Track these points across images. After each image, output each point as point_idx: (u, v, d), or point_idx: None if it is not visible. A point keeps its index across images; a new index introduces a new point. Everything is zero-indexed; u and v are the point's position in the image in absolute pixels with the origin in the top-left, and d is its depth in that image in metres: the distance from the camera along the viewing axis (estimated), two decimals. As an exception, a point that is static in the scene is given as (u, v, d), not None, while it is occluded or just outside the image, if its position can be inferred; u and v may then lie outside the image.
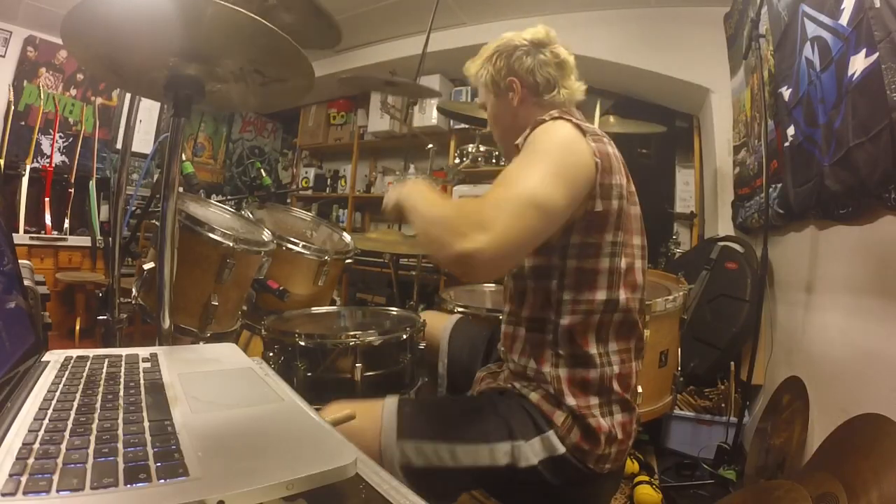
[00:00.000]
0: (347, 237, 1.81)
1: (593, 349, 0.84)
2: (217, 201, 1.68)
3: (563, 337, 0.85)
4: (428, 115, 3.65)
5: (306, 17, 1.20)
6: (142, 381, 0.55)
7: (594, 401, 0.83)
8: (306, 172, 4.58)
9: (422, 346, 1.21)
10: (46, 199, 3.41)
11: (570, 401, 0.82)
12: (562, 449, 0.81)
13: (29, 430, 0.41)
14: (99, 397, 0.50)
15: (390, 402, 0.86)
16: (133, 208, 2.38)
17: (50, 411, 0.46)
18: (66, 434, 0.41)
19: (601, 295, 0.84)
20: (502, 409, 0.86)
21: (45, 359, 0.62)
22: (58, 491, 0.33)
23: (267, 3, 1.12)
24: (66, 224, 3.48)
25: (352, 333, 1.11)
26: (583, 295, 0.84)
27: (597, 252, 0.83)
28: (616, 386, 0.84)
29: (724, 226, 2.59)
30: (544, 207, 0.73)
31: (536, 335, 0.88)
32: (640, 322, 0.90)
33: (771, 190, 1.85)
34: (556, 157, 0.79)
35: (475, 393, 1.02)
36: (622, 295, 0.86)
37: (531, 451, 0.81)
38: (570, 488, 0.84)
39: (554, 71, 0.96)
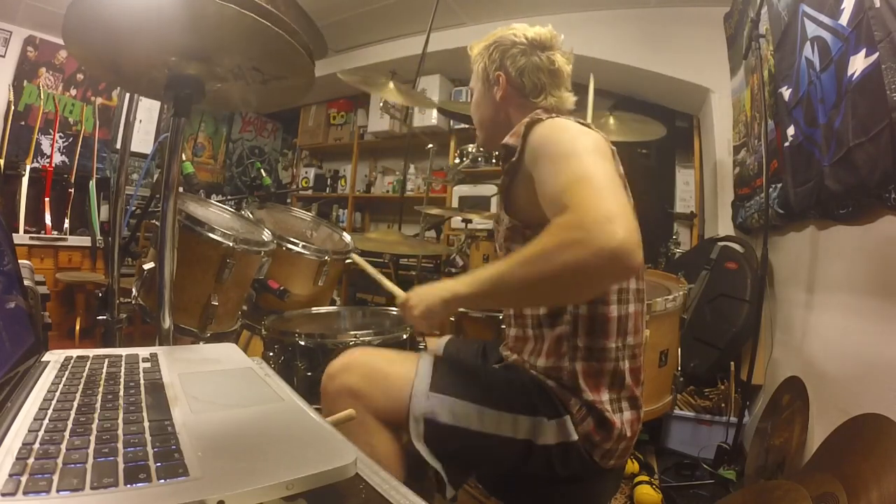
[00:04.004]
0: (347, 237, 1.81)
1: (612, 342, 0.84)
2: (217, 201, 1.68)
3: (583, 327, 0.84)
4: (428, 115, 3.65)
5: (297, 24, 1.20)
6: (142, 381, 0.55)
7: (606, 395, 0.83)
8: (306, 172, 4.59)
9: (422, 346, 1.21)
10: (46, 199, 3.41)
11: (587, 395, 0.82)
12: (575, 436, 0.81)
13: (29, 430, 0.41)
14: (99, 397, 0.50)
15: (427, 356, 0.89)
16: (133, 208, 2.38)
17: (50, 411, 0.46)
18: (66, 434, 0.41)
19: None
20: (529, 386, 0.86)
21: (45, 359, 0.62)
22: (58, 491, 0.33)
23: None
24: (66, 224, 3.47)
25: (352, 333, 1.11)
26: None
27: None
28: (629, 380, 0.85)
29: (724, 226, 2.59)
30: (616, 179, 0.70)
31: (550, 330, 0.87)
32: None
33: (771, 190, 1.85)
34: (584, 142, 0.76)
35: None
36: (633, 284, 0.86)
37: (549, 432, 0.81)
38: (572, 485, 0.84)
39: (545, 77, 0.94)
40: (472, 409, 0.82)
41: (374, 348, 0.89)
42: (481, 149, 2.14)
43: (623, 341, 0.85)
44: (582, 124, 0.83)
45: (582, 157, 0.72)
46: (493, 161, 3.00)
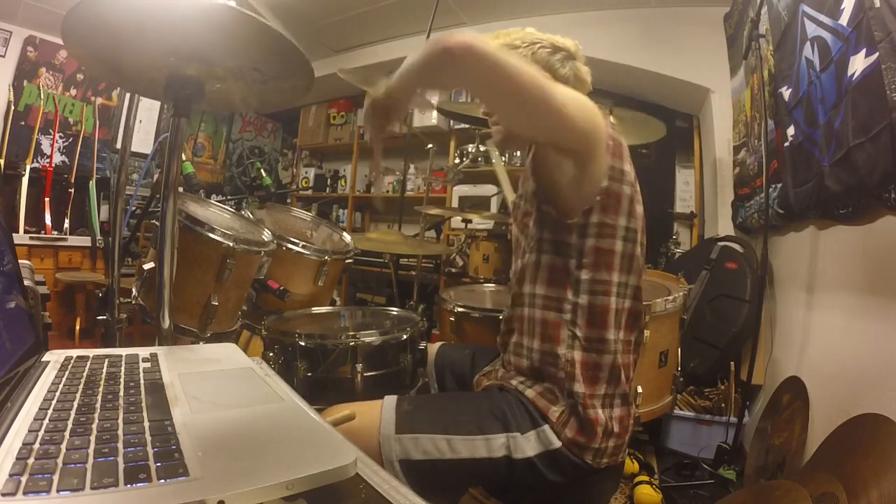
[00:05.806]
0: (347, 237, 1.81)
1: (611, 334, 0.85)
2: (217, 201, 1.68)
3: (583, 317, 0.85)
4: (428, 115, 3.64)
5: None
6: (142, 381, 0.55)
7: (601, 390, 0.83)
8: (306, 172, 4.58)
9: (422, 346, 1.21)
10: (46, 199, 3.41)
11: (579, 388, 0.82)
12: (557, 443, 0.81)
13: (29, 430, 0.41)
14: (99, 397, 0.50)
15: (389, 400, 0.88)
16: (133, 208, 2.38)
17: (50, 411, 0.46)
18: (67, 434, 0.41)
19: (616, 277, 0.85)
20: (500, 403, 0.87)
21: (45, 359, 0.62)
22: (58, 491, 0.33)
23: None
24: (66, 224, 3.47)
25: (352, 333, 1.11)
26: (601, 275, 0.84)
27: (613, 233, 0.85)
28: (623, 375, 0.85)
29: (724, 226, 2.59)
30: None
31: (552, 314, 0.87)
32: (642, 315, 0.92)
33: (771, 190, 1.85)
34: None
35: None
36: (633, 281, 0.87)
37: (527, 444, 0.82)
38: (569, 486, 0.84)
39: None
40: (441, 440, 0.82)
41: (340, 405, 0.89)
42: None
43: (619, 335, 0.86)
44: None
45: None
46: (494, 161, 2.99)
